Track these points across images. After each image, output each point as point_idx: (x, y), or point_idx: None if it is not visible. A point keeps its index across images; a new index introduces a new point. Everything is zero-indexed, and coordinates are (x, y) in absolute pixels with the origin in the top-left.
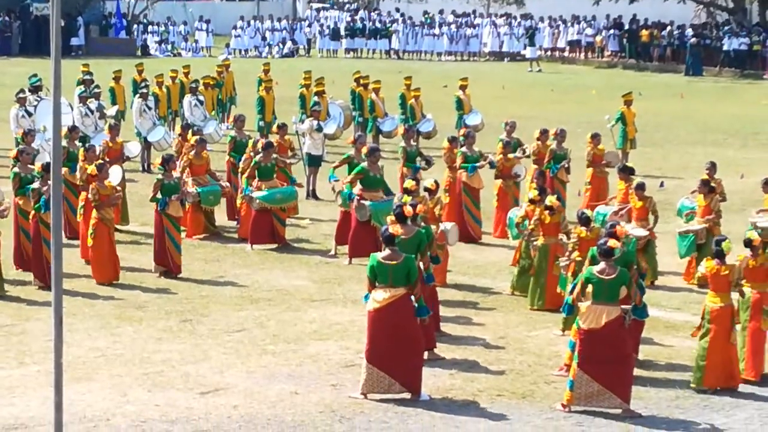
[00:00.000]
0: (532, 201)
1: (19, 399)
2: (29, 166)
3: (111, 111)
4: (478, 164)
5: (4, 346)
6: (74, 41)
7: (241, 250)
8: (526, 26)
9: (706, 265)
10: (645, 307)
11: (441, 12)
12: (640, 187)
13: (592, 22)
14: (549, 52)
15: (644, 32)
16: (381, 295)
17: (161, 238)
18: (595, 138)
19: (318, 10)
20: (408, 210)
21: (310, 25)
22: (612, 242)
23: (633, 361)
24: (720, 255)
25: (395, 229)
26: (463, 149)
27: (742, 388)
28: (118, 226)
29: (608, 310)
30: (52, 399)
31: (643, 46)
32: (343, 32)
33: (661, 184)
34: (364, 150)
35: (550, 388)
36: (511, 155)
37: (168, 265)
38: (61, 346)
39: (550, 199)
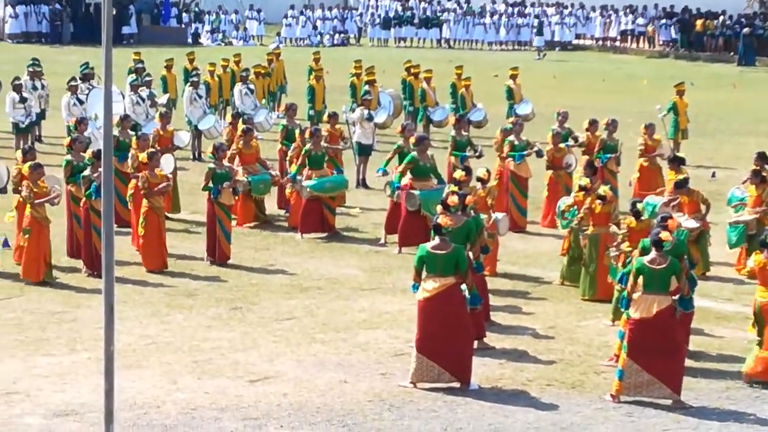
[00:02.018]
0: (582, 188)
1: (70, 386)
2: (82, 154)
3: (162, 99)
4: (525, 152)
5: (55, 333)
6: (126, 30)
7: (291, 238)
8: (535, 14)
9: (755, 259)
10: (691, 299)
11: (493, 1)
12: (679, 184)
13: (644, 11)
14: (600, 42)
15: (699, 22)
16: (431, 285)
17: (212, 227)
18: (649, 128)
19: None
20: (452, 200)
21: (361, 15)
22: (664, 234)
23: (684, 351)
24: None
25: (444, 219)
26: (511, 138)
27: None
28: (168, 215)
29: (659, 300)
30: (103, 386)
31: (695, 35)
32: (393, 21)
33: (713, 175)
34: (413, 139)
35: (600, 379)
36: (562, 145)
37: (215, 255)
38: (111, 334)
39: (604, 189)
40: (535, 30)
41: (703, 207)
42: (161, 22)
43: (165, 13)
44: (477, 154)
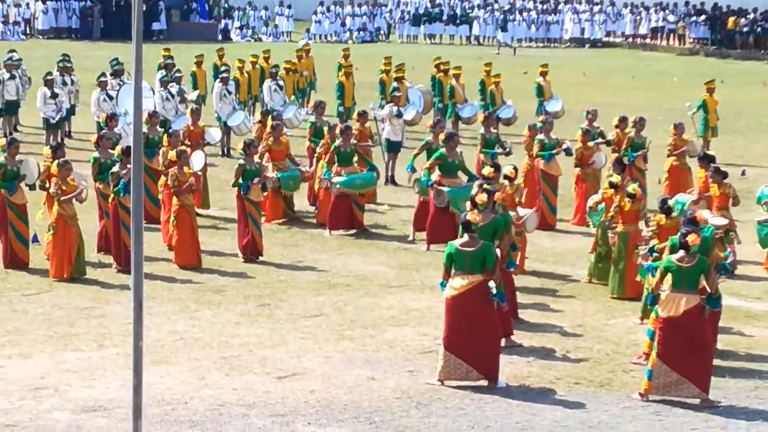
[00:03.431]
0: (613, 185)
1: (98, 381)
2: (109, 151)
3: (192, 95)
4: (554, 151)
5: (84, 328)
6: (156, 26)
7: (320, 235)
8: (502, 10)
9: None
10: (719, 297)
11: None
12: (717, 171)
13: (675, 8)
14: (631, 39)
15: (731, 19)
16: (459, 282)
17: (244, 224)
18: (678, 128)
19: None
20: (481, 198)
21: (390, 11)
22: (691, 238)
23: (713, 350)
24: None
25: (473, 216)
26: (540, 136)
27: None
28: (198, 210)
29: (687, 298)
30: (131, 381)
31: (726, 33)
32: (423, 18)
33: (743, 173)
34: (442, 136)
35: (628, 377)
36: (590, 143)
37: (249, 251)
38: (140, 329)
39: (633, 187)
40: (500, 26)
41: (731, 203)
42: (198, 18)
43: (201, 9)
44: (506, 151)
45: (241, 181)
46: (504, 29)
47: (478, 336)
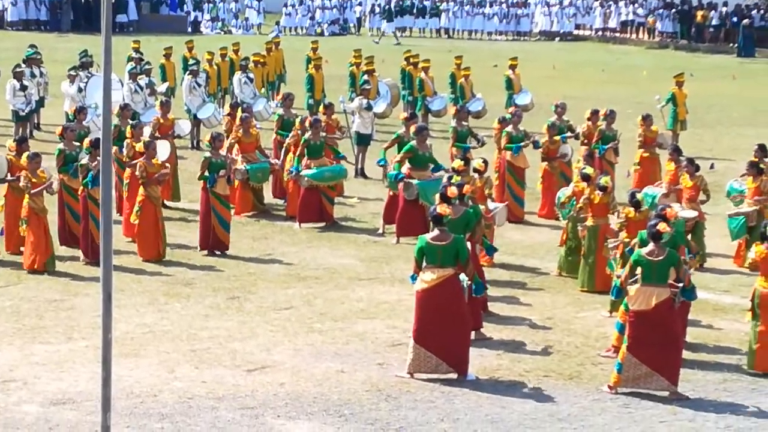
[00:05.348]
0: (585, 177)
1: (67, 374)
2: (74, 143)
3: (161, 88)
4: (522, 144)
5: (52, 321)
6: (125, 18)
7: (289, 228)
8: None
9: (756, 250)
10: (694, 288)
11: None
12: (691, 163)
13: (644, 2)
14: (600, 32)
15: (699, 13)
16: (429, 276)
17: (206, 217)
18: (647, 119)
19: None
20: (451, 191)
21: (360, 4)
22: (661, 226)
23: (682, 343)
24: None
25: (443, 209)
26: (509, 129)
27: None
28: (168, 203)
29: (658, 292)
30: (100, 374)
31: (695, 26)
32: (393, 10)
33: (712, 166)
34: (413, 128)
35: (597, 370)
36: (557, 137)
37: (207, 245)
38: (109, 322)
39: (605, 180)
40: (385, 17)
41: (703, 196)
42: (168, 10)
43: (171, 1)
44: (480, 144)
45: (207, 174)
46: (390, 20)
47: (448, 329)
